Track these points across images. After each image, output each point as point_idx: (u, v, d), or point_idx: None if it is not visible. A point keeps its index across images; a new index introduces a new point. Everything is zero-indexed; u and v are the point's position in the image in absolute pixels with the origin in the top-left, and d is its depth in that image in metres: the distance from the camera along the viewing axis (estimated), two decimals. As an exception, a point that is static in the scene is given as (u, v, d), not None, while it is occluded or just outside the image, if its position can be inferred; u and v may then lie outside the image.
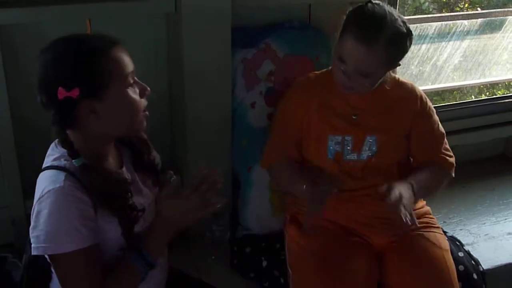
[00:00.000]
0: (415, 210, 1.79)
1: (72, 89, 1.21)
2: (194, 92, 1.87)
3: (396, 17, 1.60)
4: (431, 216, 1.84)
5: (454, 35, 2.93)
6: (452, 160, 1.82)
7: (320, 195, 1.54)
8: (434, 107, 1.88)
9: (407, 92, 1.79)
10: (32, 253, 1.25)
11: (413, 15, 3.68)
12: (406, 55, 1.68)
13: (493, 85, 3.89)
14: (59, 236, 1.21)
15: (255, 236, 1.98)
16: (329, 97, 1.77)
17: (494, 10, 3.39)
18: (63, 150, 1.27)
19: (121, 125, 1.31)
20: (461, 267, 1.77)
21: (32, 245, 1.24)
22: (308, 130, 1.78)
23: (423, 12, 3.84)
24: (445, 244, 1.75)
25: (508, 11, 3.07)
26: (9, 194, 1.87)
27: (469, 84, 3.54)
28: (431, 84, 3.11)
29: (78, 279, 1.24)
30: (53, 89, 1.21)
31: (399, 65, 1.69)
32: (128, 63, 1.29)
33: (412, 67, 3.03)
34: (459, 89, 3.78)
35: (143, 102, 1.33)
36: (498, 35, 3.04)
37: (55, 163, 1.27)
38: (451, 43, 2.97)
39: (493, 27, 3.01)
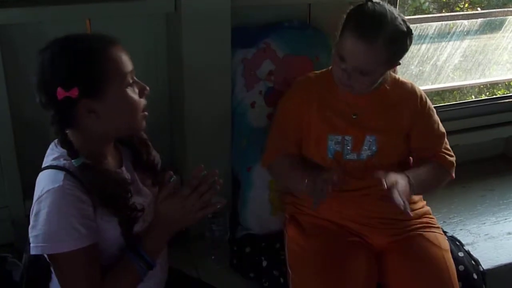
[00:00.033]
0: (415, 210, 1.79)
1: (71, 89, 1.21)
2: (194, 91, 1.87)
3: (396, 15, 1.60)
4: (431, 216, 1.84)
5: (454, 35, 2.93)
6: (452, 159, 1.82)
7: (322, 183, 1.54)
8: (434, 107, 1.88)
9: (407, 92, 1.79)
10: (31, 253, 1.25)
11: (413, 15, 3.68)
12: (406, 55, 1.68)
13: (493, 85, 3.88)
14: (58, 236, 1.21)
15: (255, 236, 1.98)
16: (329, 97, 1.77)
17: (494, 10, 3.39)
18: (63, 150, 1.27)
19: (121, 124, 1.31)
20: (461, 267, 1.77)
21: (31, 245, 1.24)
22: (308, 129, 1.79)
23: (423, 12, 3.83)
24: (445, 244, 1.75)
25: (508, 11, 3.07)
26: (9, 194, 1.87)
27: (469, 84, 3.54)
28: (431, 84, 3.11)
29: (77, 278, 1.24)
30: (52, 89, 1.21)
31: (399, 64, 1.69)
32: (127, 62, 1.28)
33: (412, 67, 3.03)
34: (459, 89, 3.78)
35: (143, 102, 1.33)
36: (498, 35, 3.04)
37: (55, 163, 1.27)
38: (451, 43, 2.97)
39: (493, 27, 3.01)
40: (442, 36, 2.92)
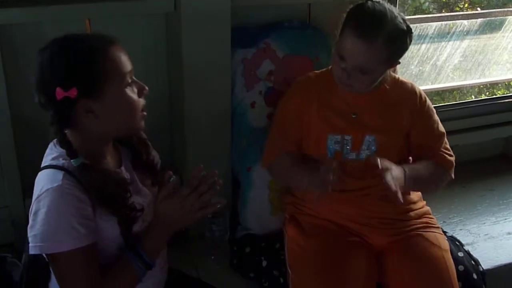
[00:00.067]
0: (415, 210, 1.79)
1: (70, 89, 1.21)
2: (194, 91, 1.87)
3: (396, 14, 1.60)
4: (431, 216, 1.84)
5: (454, 35, 2.93)
6: (452, 159, 1.81)
7: (323, 173, 1.55)
8: (434, 107, 1.88)
9: (406, 92, 1.79)
10: (30, 252, 1.25)
11: (413, 15, 3.68)
12: (406, 54, 1.68)
13: (493, 85, 3.88)
14: (57, 235, 1.21)
15: (255, 236, 1.97)
16: (329, 96, 1.77)
17: (494, 10, 3.39)
18: (62, 150, 1.27)
19: (120, 124, 1.31)
20: (461, 267, 1.77)
21: (30, 244, 1.24)
22: (308, 129, 1.79)
23: (423, 12, 3.83)
24: (445, 244, 1.75)
25: (508, 11, 3.07)
26: (9, 194, 1.87)
27: (469, 84, 3.54)
28: (431, 84, 3.11)
29: (76, 278, 1.24)
30: (51, 89, 1.21)
31: (399, 63, 1.69)
32: (126, 62, 1.28)
33: (412, 67, 3.03)
34: (459, 89, 3.78)
35: (141, 102, 1.33)
36: (498, 35, 3.04)
37: (54, 162, 1.27)
38: (451, 43, 2.97)
39: (493, 27, 3.01)
40: (442, 36, 2.92)
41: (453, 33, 2.92)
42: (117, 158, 1.41)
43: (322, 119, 1.75)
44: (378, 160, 1.57)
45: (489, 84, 3.79)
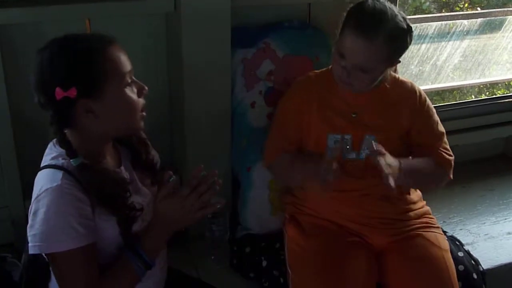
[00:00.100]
0: (415, 210, 1.79)
1: (69, 89, 1.21)
2: (194, 91, 1.87)
3: (396, 13, 1.60)
4: (431, 216, 1.84)
5: (454, 35, 2.93)
6: (451, 158, 1.81)
7: (327, 161, 1.55)
8: (434, 107, 1.88)
9: (406, 91, 1.79)
10: (29, 252, 1.25)
11: (413, 14, 3.68)
12: (406, 54, 1.68)
13: (493, 85, 3.88)
14: (56, 235, 1.21)
15: (255, 236, 1.97)
16: (329, 96, 1.77)
17: (494, 10, 3.39)
18: (61, 150, 1.27)
19: (119, 124, 1.31)
20: (461, 267, 1.77)
21: (29, 244, 1.24)
22: (308, 129, 1.79)
23: (423, 12, 3.83)
24: (445, 244, 1.75)
25: (508, 11, 3.07)
26: (9, 194, 1.87)
27: (469, 84, 3.54)
28: (431, 84, 3.11)
29: (75, 277, 1.24)
30: (50, 89, 1.21)
31: (399, 61, 1.69)
32: (126, 62, 1.28)
33: (412, 67, 3.03)
34: (459, 89, 3.78)
35: (141, 102, 1.33)
36: (498, 35, 3.04)
37: (53, 162, 1.27)
38: (451, 42, 2.97)
39: (493, 27, 3.01)
40: (442, 36, 2.93)
41: (453, 33, 2.92)
42: (116, 157, 1.41)
43: (322, 119, 1.75)
44: (373, 143, 1.58)
45: (489, 84, 3.79)
